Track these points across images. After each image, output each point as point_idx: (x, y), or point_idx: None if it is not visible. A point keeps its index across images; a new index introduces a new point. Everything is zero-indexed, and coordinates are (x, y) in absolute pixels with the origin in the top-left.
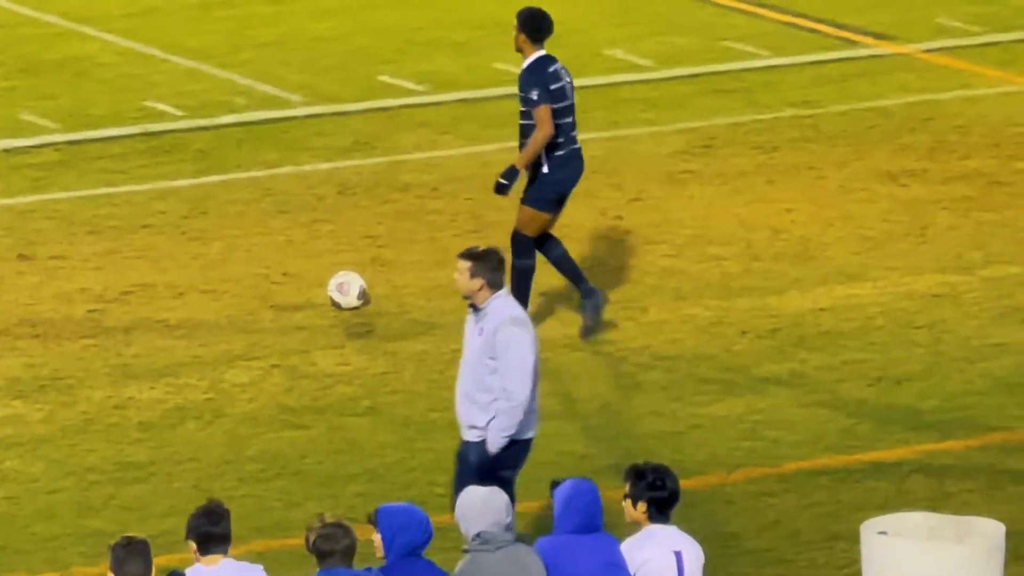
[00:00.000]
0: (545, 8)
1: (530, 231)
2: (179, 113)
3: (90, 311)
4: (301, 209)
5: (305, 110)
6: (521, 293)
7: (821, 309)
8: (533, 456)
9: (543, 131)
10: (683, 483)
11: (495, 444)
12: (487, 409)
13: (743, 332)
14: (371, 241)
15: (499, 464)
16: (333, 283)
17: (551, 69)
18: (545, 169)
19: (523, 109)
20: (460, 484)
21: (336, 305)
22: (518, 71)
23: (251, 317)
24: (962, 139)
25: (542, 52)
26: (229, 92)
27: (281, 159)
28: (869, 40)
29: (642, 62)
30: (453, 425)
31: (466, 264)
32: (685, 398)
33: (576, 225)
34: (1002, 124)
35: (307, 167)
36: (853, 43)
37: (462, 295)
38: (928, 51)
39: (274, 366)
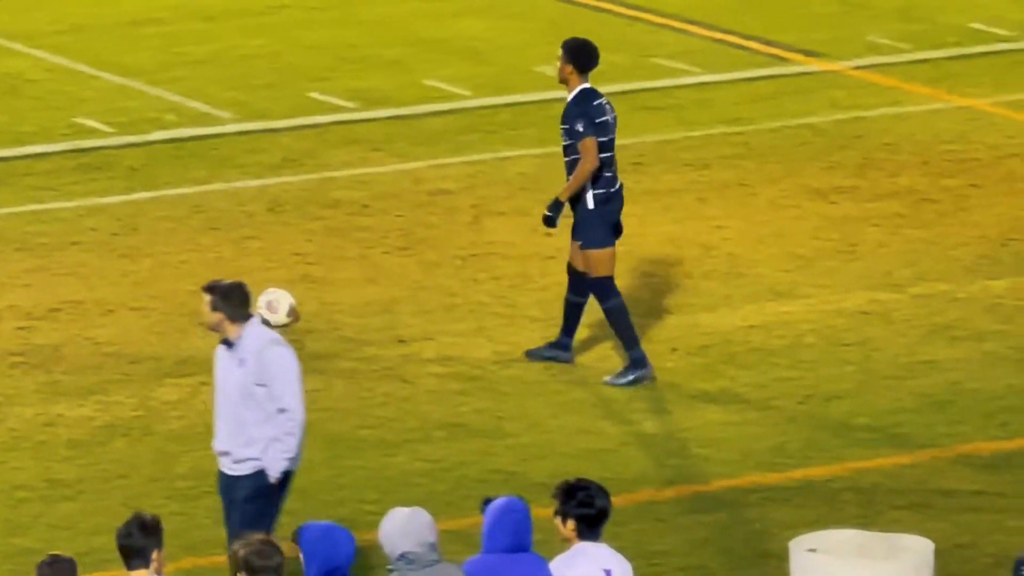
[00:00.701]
0: (477, 24)
1: (603, 271)
2: (109, 130)
3: (19, 328)
4: (231, 226)
5: (236, 127)
6: (623, 331)
7: (751, 326)
8: (463, 473)
9: (588, 163)
10: (613, 500)
11: (277, 469)
12: (256, 441)
13: (673, 349)
14: (301, 258)
15: (269, 493)
16: (263, 300)
17: (596, 102)
18: (590, 205)
19: (567, 142)
20: (233, 527)
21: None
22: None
23: (180, 334)
24: (892, 156)
25: (587, 84)
26: (160, 109)
27: (211, 176)
28: (799, 57)
29: None
30: (384, 442)
31: (207, 297)
32: (615, 415)
33: (506, 242)
34: (931, 141)
35: (237, 184)
36: (783, 60)
37: (208, 328)
38: (858, 68)
39: (203, 383)
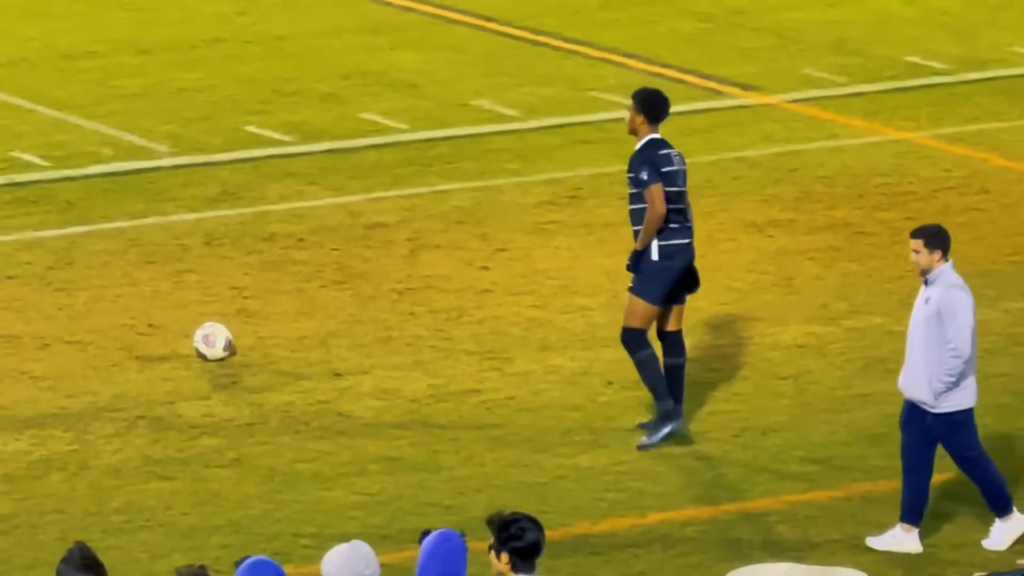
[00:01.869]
0: (412, 57)
1: (638, 323)
2: (45, 163)
3: None
4: (167, 260)
5: (171, 160)
6: (653, 384)
7: (687, 360)
8: (399, 506)
9: (656, 210)
10: (548, 533)
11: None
12: None
13: (608, 383)
14: (237, 292)
15: None
16: (199, 334)
17: (663, 152)
18: (654, 257)
19: (632, 191)
20: None
21: (202, 356)
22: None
23: (117, 368)
24: (827, 189)
25: (656, 135)
26: (95, 143)
27: (147, 209)
28: (735, 91)
29: (508, 112)
30: (320, 476)
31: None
32: (550, 449)
33: (442, 276)
34: (867, 174)
35: (173, 217)
36: (719, 93)
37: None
38: (794, 101)
39: (139, 417)
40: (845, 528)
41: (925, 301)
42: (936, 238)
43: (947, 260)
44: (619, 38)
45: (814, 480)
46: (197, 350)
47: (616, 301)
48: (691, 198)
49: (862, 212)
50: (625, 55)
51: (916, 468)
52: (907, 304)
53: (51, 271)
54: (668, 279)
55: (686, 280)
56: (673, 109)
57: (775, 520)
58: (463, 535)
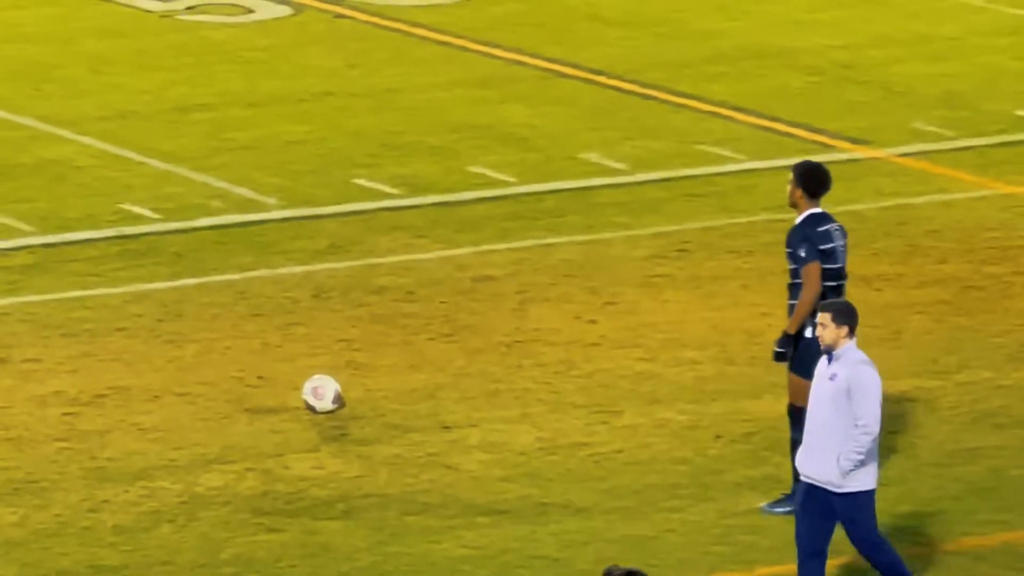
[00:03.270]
0: (521, 111)
1: (803, 401)
2: (155, 216)
3: (64, 414)
4: (276, 312)
5: (280, 213)
6: None
7: None
8: (506, 560)
9: (811, 290)
10: None
11: None
12: None
13: (717, 436)
14: (346, 344)
15: None
16: (308, 387)
17: (822, 228)
18: (809, 333)
19: (791, 267)
20: None
21: (311, 409)
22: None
23: (226, 420)
24: (936, 244)
25: (817, 209)
26: (205, 195)
27: (256, 262)
28: (845, 144)
29: (617, 166)
30: (428, 529)
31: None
32: (658, 502)
33: (550, 329)
34: (976, 229)
35: (282, 270)
36: (828, 147)
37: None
38: (903, 155)
39: (248, 469)
40: None
41: (830, 378)
42: (843, 314)
43: (853, 337)
44: (727, 91)
45: (923, 534)
46: (306, 402)
47: (724, 355)
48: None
49: (971, 266)
50: (733, 108)
51: (816, 552)
52: (1016, 358)
53: (160, 323)
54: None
55: None
56: (782, 162)
57: None
58: None
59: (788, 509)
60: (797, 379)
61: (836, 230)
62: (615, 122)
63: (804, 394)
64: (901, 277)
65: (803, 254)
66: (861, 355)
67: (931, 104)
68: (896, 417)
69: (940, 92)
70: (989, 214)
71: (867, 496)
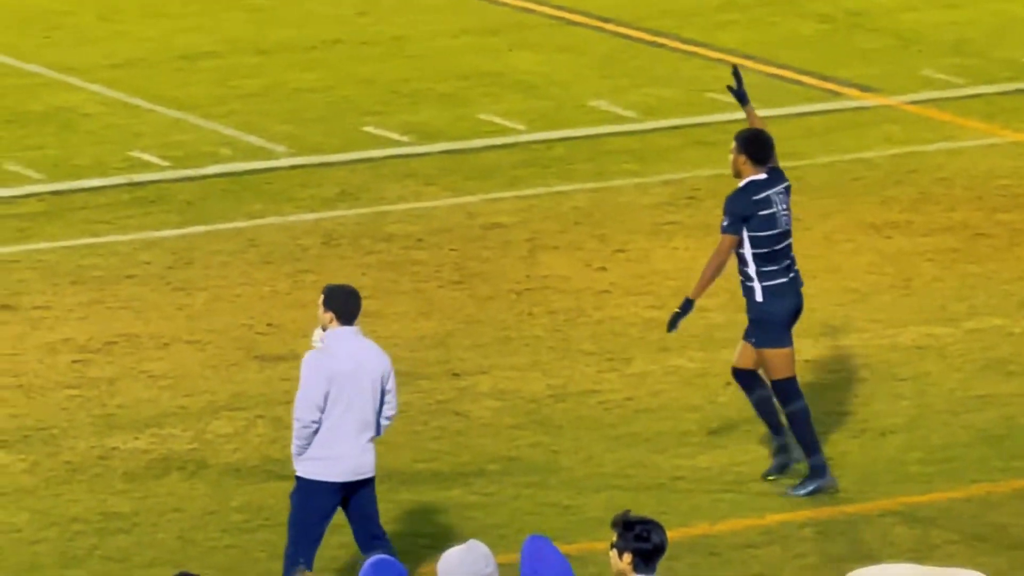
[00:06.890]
0: (530, 58)
1: (783, 372)
2: (164, 164)
3: (74, 361)
4: (286, 260)
5: (290, 161)
6: (805, 436)
7: (805, 360)
8: (517, 506)
9: (715, 259)
10: (667, 534)
11: None
12: None
13: (727, 384)
14: None
15: None
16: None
17: (762, 195)
18: (759, 298)
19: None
20: None
21: None
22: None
23: (236, 367)
24: (946, 191)
25: (759, 176)
26: (214, 143)
27: (266, 210)
28: (854, 92)
29: (626, 114)
30: (438, 476)
31: None
32: (669, 449)
33: (560, 276)
34: (986, 176)
35: (292, 218)
36: (838, 95)
37: None
38: (912, 103)
39: (259, 416)
40: (964, 529)
41: None
42: (331, 299)
43: (348, 324)
44: (738, 39)
45: (933, 482)
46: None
47: (734, 302)
48: (809, 199)
49: (981, 214)
50: (744, 56)
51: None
52: None
53: (170, 271)
54: (779, 319)
55: (794, 319)
56: (791, 110)
57: (894, 521)
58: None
59: (813, 487)
60: (771, 352)
61: (779, 193)
62: (625, 70)
63: (780, 365)
64: (911, 224)
65: (725, 223)
66: (339, 341)
67: (941, 52)
68: (906, 364)
69: (951, 40)
70: (999, 162)
71: (309, 484)
